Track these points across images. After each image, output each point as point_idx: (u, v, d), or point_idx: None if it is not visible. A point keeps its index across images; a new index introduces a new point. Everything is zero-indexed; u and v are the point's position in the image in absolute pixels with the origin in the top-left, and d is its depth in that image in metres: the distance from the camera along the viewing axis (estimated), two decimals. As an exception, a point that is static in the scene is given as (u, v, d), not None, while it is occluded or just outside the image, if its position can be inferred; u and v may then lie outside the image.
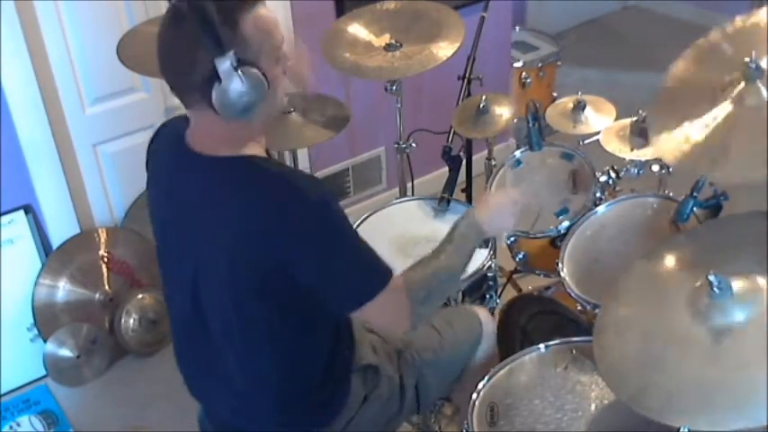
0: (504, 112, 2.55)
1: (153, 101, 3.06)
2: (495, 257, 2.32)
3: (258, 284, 1.60)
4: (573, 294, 2.11)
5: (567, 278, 2.15)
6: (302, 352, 1.73)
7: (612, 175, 2.48)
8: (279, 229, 1.52)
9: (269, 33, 1.55)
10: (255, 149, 1.64)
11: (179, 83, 1.57)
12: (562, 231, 2.31)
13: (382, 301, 1.60)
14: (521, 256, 2.49)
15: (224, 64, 1.48)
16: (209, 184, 1.61)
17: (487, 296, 2.38)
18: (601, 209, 2.30)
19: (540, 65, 3.72)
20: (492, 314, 2.30)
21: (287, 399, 1.76)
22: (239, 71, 1.49)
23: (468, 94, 2.67)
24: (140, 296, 3.07)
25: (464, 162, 2.74)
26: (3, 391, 2.96)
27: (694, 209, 2.04)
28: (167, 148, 1.73)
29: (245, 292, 1.61)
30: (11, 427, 2.84)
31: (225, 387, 1.79)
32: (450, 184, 2.48)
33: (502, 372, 1.90)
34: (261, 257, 1.56)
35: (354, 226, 2.23)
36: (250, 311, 1.64)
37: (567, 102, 2.68)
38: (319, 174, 3.38)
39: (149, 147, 1.82)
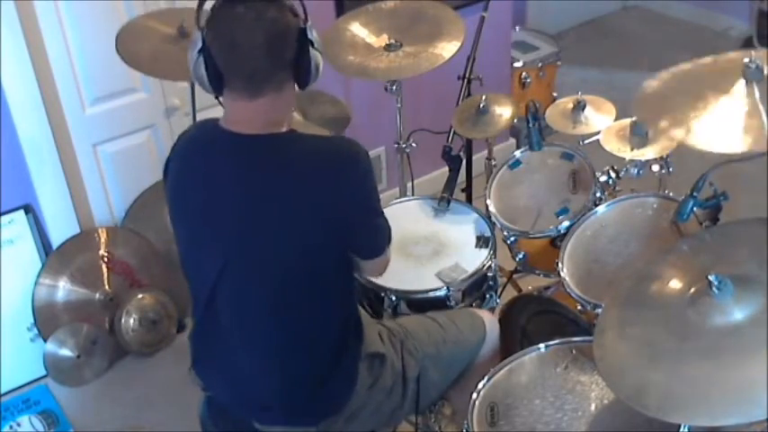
0: (504, 112, 2.55)
1: (153, 101, 3.06)
2: (495, 257, 2.32)
3: (296, 260, 1.70)
4: (573, 294, 2.11)
5: (567, 278, 2.15)
6: (312, 339, 1.77)
7: (612, 175, 2.48)
8: (343, 191, 1.68)
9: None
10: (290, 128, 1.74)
11: (270, 65, 1.62)
12: (562, 231, 2.31)
13: (384, 255, 1.86)
14: (521, 256, 2.49)
15: (310, 30, 1.63)
16: (271, 159, 1.68)
17: (487, 296, 2.38)
18: (601, 209, 2.30)
19: (540, 65, 3.72)
20: (492, 314, 2.30)
21: (295, 386, 1.79)
22: (315, 32, 1.64)
23: (469, 94, 2.67)
24: (140, 296, 3.07)
25: (464, 162, 2.74)
26: (3, 391, 2.96)
27: (694, 209, 2.03)
28: (206, 140, 1.77)
29: (281, 270, 1.71)
30: (11, 427, 2.84)
31: (236, 377, 1.82)
32: (450, 184, 2.48)
33: (502, 372, 1.90)
34: (317, 222, 1.67)
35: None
36: (275, 293, 1.73)
37: (567, 102, 2.67)
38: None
39: (171, 155, 1.83)
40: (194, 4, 1.68)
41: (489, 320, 2.15)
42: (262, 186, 1.67)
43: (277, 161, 1.68)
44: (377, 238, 1.83)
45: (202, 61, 1.62)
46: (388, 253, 1.89)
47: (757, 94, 1.63)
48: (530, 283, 2.81)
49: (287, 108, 1.73)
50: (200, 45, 1.62)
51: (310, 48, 1.64)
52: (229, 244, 1.72)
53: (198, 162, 1.76)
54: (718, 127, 1.63)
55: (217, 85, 1.65)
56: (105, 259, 3.07)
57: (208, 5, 1.66)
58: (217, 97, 1.71)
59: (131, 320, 3.04)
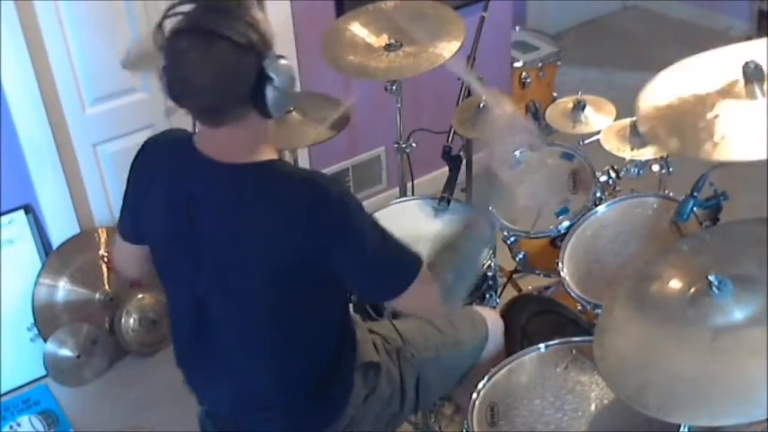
0: (504, 112, 2.55)
1: (153, 101, 3.06)
2: (495, 257, 2.32)
3: (278, 284, 1.63)
4: (573, 294, 2.11)
5: (567, 278, 2.15)
6: (305, 351, 1.75)
7: (612, 175, 2.48)
8: (311, 227, 1.57)
9: (267, 20, 1.57)
10: (272, 153, 1.66)
11: (220, 101, 1.55)
12: (562, 231, 2.31)
13: (414, 290, 1.64)
14: (521, 256, 2.49)
15: (270, 62, 1.53)
16: (238, 190, 1.62)
17: (487, 296, 2.38)
18: (601, 209, 2.30)
19: (540, 65, 3.72)
20: (495, 311, 2.30)
21: (291, 397, 1.77)
22: (279, 64, 1.54)
23: (469, 94, 2.67)
24: (140, 296, 3.07)
25: (464, 162, 2.74)
26: (3, 391, 2.96)
27: (694, 209, 2.03)
28: (173, 159, 1.72)
29: (265, 290, 1.65)
30: (11, 427, 2.84)
31: (229, 387, 1.80)
32: (450, 184, 2.48)
33: (502, 372, 1.90)
34: (289, 256, 1.60)
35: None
36: (264, 311, 1.68)
37: (567, 102, 2.67)
38: (319, 174, 3.37)
39: (135, 162, 1.79)
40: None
41: (492, 318, 2.14)
42: (234, 214, 1.62)
43: (250, 193, 1.61)
44: (381, 276, 1.67)
45: (164, 82, 1.55)
46: (422, 287, 1.65)
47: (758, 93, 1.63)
48: (530, 283, 2.81)
49: (256, 136, 1.63)
50: (161, 65, 1.55)
51: (269, 80, 1.53)
52: (209, 266, 1.68)
53: (171, 184, 1.70)
54: (729, 135, 1.61)
55: (180, 106, 1.60)
56: (105, 259, 3.07)
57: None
58: None
59: (131, 320, 3.04)
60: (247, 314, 1.70)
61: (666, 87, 1.77)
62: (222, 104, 1.56)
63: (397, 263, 1.66)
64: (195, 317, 1.76)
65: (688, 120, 1.65)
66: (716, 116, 1.62)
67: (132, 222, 1.83)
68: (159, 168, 1.74)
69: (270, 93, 1.54)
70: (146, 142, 1.81)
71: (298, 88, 1.63)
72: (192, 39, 1.51)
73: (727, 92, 1.66)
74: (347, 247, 1.60)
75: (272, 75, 1.53)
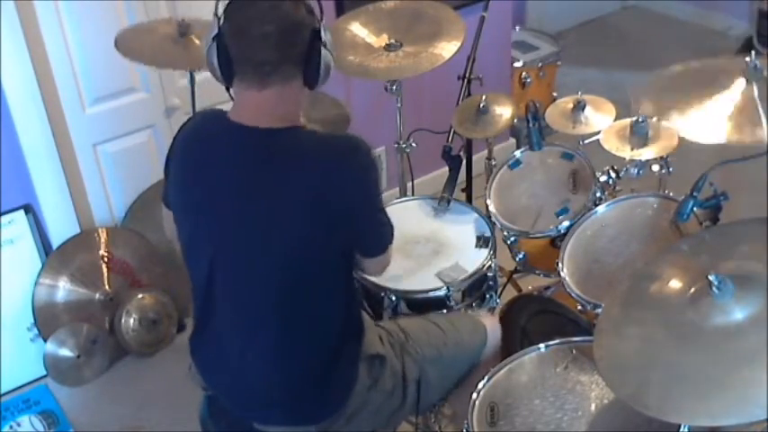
0: (504, 112, 2.55)
1: (153, 101, 3.06)
2: (495, 257, 2.32)
3: (295, 256, 1.69)
4: (573, 294, 2.11)
5: (567, 278, 2.15)
6: (311, 337, 1.77)
7: (612, 175, 2.48)
8: (344, 185, 1.67)
9: None
10: (301, 121, 1.74)
11: (278, 55, 1.62)
12: (562, 231, 2.31)
13: (387, 252, 1.87)
14: (521, 256, 2.49)
15: (325, 30, 1.65)
16: (267, 153, 1.68)
17: (487, 296, 2.38)
18: (601, 209, 2.30)
19: (540, 65, 3.72)
20: (492, 314, 2.30)
21: (294, 383, 1.79)
22: (329, 35, 1.66)
23: (469, 94, 2.67)
24: (140, 296, 3.07)
25: (464, 162, 2.74)
26: (3, 391, 2.96)
27: (694, 209, 2.04)
28: (212, 131, 1.76)
29: (280, 265, 1.70)
30: (11, 427, 2.84)
31: (232, 371, 1.81)
32: (450, 184, 2.48)
33: (502, 372, 1.90)
34: (331, 215, 1.67)
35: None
36: (273, 290, 1.72)
37: (567, 102, 2.67)
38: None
39: (174, 146, 1.82)
40: (195, 6, 1.68)
41: (491, 324, 2.15)
42: (261, 179, 1.67)
43: (279, 154, 1.67)
44: (379, 234, 1.84)
45: (215, 48, 1.65)
46: (390, 252, 1.89)
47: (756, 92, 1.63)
48: (530, 283, 2.81)
49: (294, 104, 1.72)
50: (215, 32, 1.64)
51: (322, 48, 1.65)
52: (222, 237, 1.72)
53: (199, 153, 1.76)
54: (712, 119, 1.63)
55: (227, 73, 1.66)
56: (105, 259, 3.07)
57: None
58: (228, 89, 1.72)
59: (131, 320, 3.04)
60: (251, 295, 1.73)
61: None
62: (278, 59, 1.63)
63: (388, 227, 1.85)
64: (205, 294, 1.79)
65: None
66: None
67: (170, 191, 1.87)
68: (194, 140, 1.79)
69: (322, 58, 1.65)
70: (191, 119, 1.87)
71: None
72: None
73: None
74: (365, 198, 1.74)
75: (325, 40, 1.65)
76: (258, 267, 1.71)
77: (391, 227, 1.85)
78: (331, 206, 1.67)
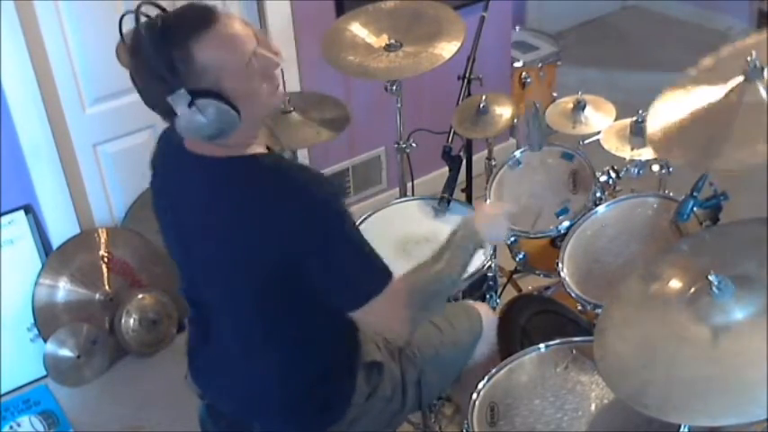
0: (504, 112, 2.55)
1: (153, 101, 3.06)
2: (495, 257, 2.32)
3: (264, 282, 1.62)
4: (573, 294, 2.11)
5: (567, 278, 2.15)
6: (306, 350, 1.75)
7: (612, 175, 2.48)
8: (283, 227, 1.54)
9: (231, 50, 1.51)
10: (254, 148, 1.64)
11: (154, 107, 1.60)
12: (562, 231, 2.31)
13: (379, 306, 1.62)
14: (521, 256, 2.49)
15: (177, 101, 1.49)
16: (212, 185, 1.62)
17: (487, 296, 2.39)
18: (601, 209, 2.30)
19: (540, 65, 3.72)
20: (488, 306, 2.30)
21: (292, 397, 1.78)
22: (196, 105, 1.49)
23: (469, 94, 2.67)
24: (140, 296, 3.07)
25: (464, 162, 2.74)
26: (3, 391, 2.96)
27: (694, 209, 2.04)
28: (168, 154, 1.75)
29: (252, 288, 1.64)
30: (11, 427, 2.84)
31: (231, 385, 1.81)
32: (450, 184, 2.48)
33: (502, 372, 1.90)
34: (266, 255, 1.58)
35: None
36: (255, 308, 1.67)
37: (567, 102, 2.68)
38: (319, 174, 3.38)
39: (152, 159, 1.82)
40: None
41: (485, 312, 2.14)
42: (215, 220, 1.62)
43: (230, 186, 1.60)
44: (345, 285, 1.62)
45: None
46: (387, 305, 1.63)
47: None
48: (530, 283, 2.81)
49: (236, 131, 1.56)
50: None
51: (180, 115, 1.51)
52: (199, 276, 1.74)
53: (166, 178, 1.76)
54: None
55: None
56: (105, 259, 3.07)
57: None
58: None
59: (131, 320, 3.04)
60: (237, 312, 1.72)
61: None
62: (154, 108, 1.59)
63: (364, 274, 1.62)
64: (196, 313, 1.79)
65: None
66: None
67: None
68: (161, 164, 1.78)
69: (177, 123, 1.53)
70: (159, 137, 1.83)
71: (248, 115, 1.55)
72: (135, 41, 1.55)
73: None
74: (318, 251, 1.56)
75: (177, 112, 1.51)
76: (240, 301, 1.69)
77: (378, 272, 1.62)
78: (277, 247, 1.56)
